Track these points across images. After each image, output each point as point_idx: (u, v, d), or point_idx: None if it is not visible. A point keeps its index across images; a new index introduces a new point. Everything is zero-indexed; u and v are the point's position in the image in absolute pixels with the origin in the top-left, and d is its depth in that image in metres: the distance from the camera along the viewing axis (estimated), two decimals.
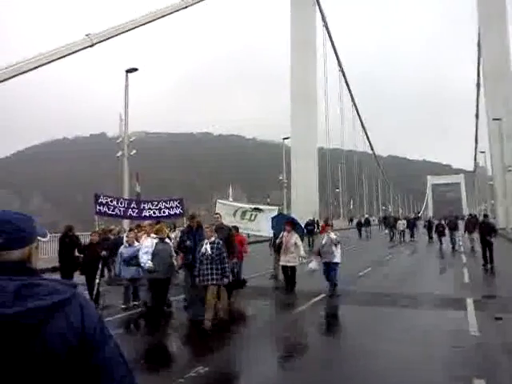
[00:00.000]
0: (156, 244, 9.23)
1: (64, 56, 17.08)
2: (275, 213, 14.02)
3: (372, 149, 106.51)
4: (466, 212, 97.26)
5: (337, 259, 11.47)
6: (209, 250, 8.22)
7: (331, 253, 11.37)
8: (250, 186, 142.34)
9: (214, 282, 8.15)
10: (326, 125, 69.34)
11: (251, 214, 13.53)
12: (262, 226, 13.47)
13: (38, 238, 1.48)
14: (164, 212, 13.06)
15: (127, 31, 19.54)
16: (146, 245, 9.39)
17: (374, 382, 5.53)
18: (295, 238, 11.84)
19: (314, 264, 11.77)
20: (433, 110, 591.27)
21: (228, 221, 12.41)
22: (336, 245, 11.45)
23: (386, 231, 35.60)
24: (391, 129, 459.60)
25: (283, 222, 12.52)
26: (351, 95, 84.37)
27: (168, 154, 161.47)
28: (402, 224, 32.28)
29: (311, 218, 31.01)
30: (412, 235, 33.07)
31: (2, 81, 14.95)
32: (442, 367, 5.83)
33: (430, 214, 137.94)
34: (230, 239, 10.01)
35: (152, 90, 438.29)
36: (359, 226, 40.84)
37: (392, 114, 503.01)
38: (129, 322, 9.38)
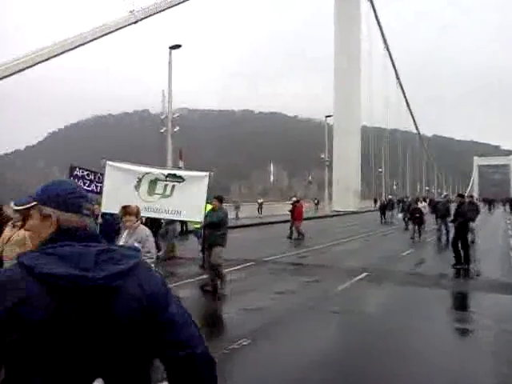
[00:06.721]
0: None
1: (108, 33, 17.21)
2: (206, 181, 8.41)
3: (416, 128, 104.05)
4: None
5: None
6: None
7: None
8: (292, 164, 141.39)
9: None
10: (370, 102, 68.24)
11: (166, 186, 8.28)
12: (186, 205, 8.20)
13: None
14: None
15: (170, 7, 19.55)
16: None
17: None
18: None
19: None
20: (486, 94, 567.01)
21: (124, 199, 6.66)
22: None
23: (400, 215, 27.25)
24: (438, 108, 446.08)
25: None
26: (396, 73, 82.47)
27: (209, 131, 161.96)
28: (422, 207, 21.48)
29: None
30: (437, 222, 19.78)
31: (55, 56, 15.32)
32: None
33: (476, 195, 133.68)
34: None
35: (197, 68, 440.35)
36: (382, 209, 32.49)
37: (440, 94, 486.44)
38: None
